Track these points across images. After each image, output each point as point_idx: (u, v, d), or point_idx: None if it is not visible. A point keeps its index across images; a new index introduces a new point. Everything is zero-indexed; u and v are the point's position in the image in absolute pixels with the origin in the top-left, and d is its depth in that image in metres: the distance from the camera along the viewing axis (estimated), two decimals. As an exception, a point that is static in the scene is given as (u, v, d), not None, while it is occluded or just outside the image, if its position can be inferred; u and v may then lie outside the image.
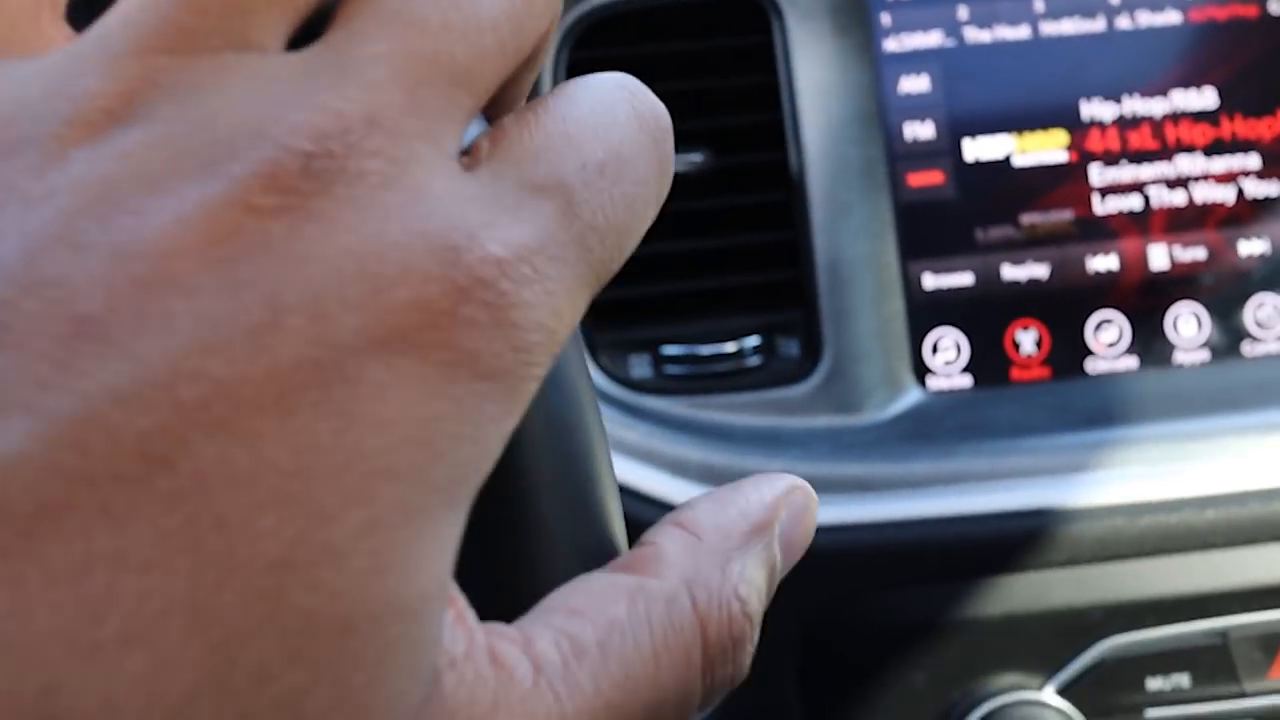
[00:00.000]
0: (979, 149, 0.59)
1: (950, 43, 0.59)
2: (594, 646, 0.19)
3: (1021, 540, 0.53)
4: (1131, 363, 0.58)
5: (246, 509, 0.15)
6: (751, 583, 0.21)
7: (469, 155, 0.19)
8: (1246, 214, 0.59)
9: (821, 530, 0.52)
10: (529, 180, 0.18)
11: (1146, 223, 0.59)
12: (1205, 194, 0.59)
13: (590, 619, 0.19)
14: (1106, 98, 0.59)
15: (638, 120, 0.20)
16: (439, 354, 0.16)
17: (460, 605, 0.18)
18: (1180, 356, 0.59)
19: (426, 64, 0.18)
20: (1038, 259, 0.59)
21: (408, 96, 0.17)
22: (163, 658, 0.14)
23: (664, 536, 0.22)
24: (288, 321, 0.15)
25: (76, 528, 0.14)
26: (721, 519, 0.22)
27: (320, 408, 0.15)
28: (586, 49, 0.57)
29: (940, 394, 0.58)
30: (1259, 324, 0.59)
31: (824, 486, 0.54)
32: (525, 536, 0.22)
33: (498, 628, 0.19)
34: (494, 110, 0.21)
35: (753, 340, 0.57)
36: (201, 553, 0.15)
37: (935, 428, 0.56)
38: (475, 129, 0.19)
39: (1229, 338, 0.59)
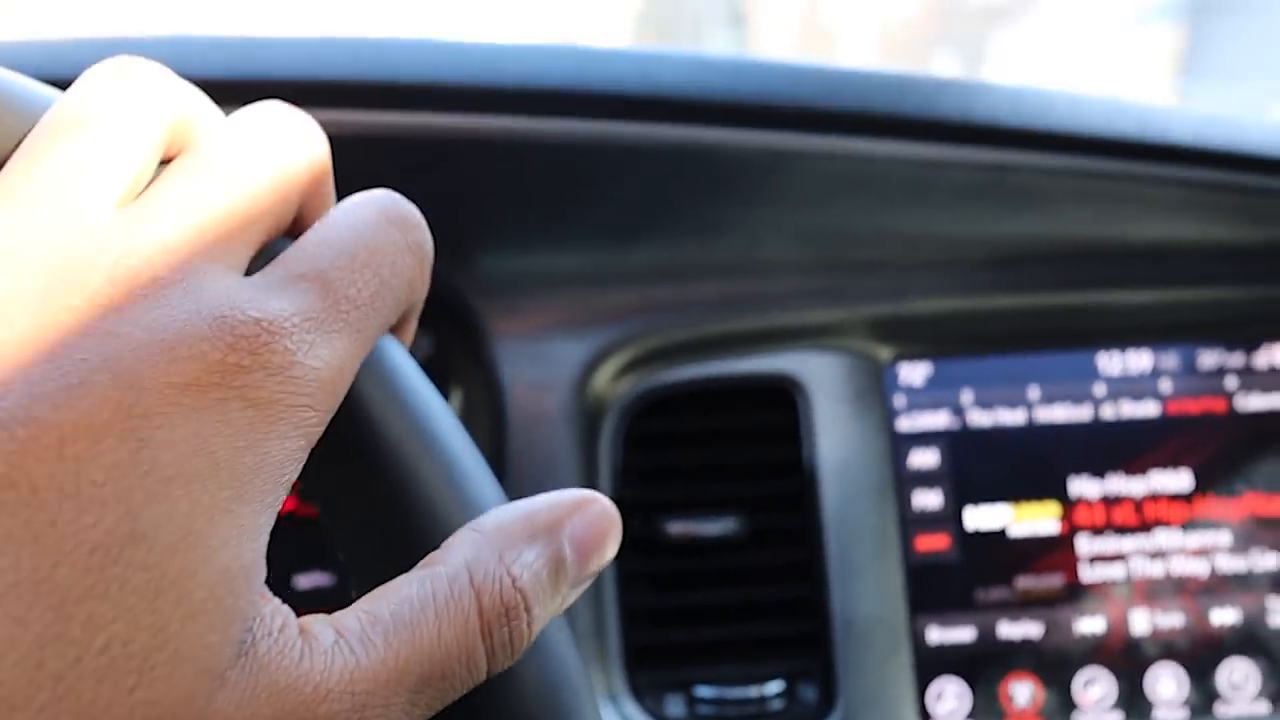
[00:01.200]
0: (979, 518, 0.67)
1: (956, 423, 0.68)
2: (387, 616, 0.25)
3: None
4: (1117, 718, 0.65)
5: (71, 511, 0.21)
6: (528, 566, 0.26)
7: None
8: (1219, 586, 0.66)
9: None
10: (292, 272, 0.25)
11: (1129, 590, 0.66)
12: (1181, 566, 0.67)
13: (387, 598, 0.25)
14: (1093, 476, 0.68)
15: (385, 218, 0.27)
16: (215, 392, 0.23)
17: (277, 603, 0.24)
18: (1160, 714, 0.65)
19: (212, 213, 0.25)
20: (1032, 618, 0.66)
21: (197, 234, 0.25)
22: (15, 616, 0.21)
23: (455, 537, 0.26)
24: (95, 378, 0.21)
25: None
26: (504, 519, 0.27)
27: (122, 436, 0.21)
28: (642, 421, 0.67)
29: (942, 742, 0.65)
30: (1232, 686, 0.66)
31: (835, 827, 0.61)
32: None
33: (312, 615, 0.25)
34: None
35: (775, 686, 0.65)
36: (39, 543, 0.21)
37: (937, 774, 0.63)
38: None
39: (1204, 698, 0.65)
